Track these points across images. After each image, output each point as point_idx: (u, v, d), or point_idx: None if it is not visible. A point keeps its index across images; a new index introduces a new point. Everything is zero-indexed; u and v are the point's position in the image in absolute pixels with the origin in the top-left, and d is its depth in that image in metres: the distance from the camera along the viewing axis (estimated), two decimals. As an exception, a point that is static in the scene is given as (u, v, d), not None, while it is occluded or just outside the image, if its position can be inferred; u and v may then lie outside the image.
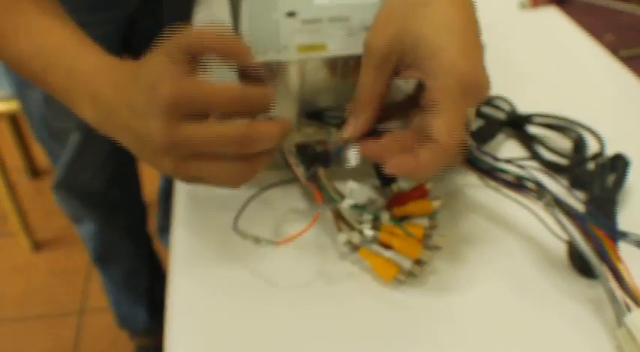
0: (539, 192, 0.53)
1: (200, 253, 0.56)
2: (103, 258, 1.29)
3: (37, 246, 1.89)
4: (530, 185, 0.53)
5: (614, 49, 0.85)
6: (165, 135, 0.45)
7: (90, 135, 1.02)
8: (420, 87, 0.50)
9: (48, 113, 1.01)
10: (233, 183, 0.49)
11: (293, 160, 0.54)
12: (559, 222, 0.51)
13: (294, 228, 0.53)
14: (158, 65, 0.46)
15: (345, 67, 0.56)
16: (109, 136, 0.52)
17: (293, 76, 0.56)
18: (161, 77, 0.45)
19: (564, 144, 0.68)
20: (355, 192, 0.52)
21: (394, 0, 0.49)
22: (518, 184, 0.54)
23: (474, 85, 0.45)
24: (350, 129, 0.52)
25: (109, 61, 0.52)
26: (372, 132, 0.52)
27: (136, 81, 0.48)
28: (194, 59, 0.46)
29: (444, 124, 0.45)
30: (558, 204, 0.52)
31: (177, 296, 0.53)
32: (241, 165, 0.47)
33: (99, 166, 1.12)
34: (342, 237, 0.54)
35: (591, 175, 0.61)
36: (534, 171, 0.55)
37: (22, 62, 0.54)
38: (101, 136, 1.02)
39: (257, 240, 0.54)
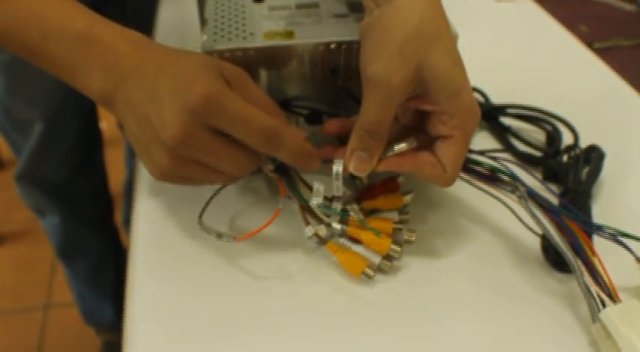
0: (513, 184, 0.51)
1: (162, 247, 0.54)
2: (67, 251, 1.26)
3: (0, 239, 1.85)
4: (503, 177, 0.52)
5: (589, 40, 0.84)
6: (179, 132, 0.44)
7: (54, 126, 1.01)
8: (419, 115, 0.51)
9: (10, 102, 0.99)
10: (221, 183, 0.54)
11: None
12: (533, 216, 0.50)
13: (258, 221, 0.51)
14: (205, 65, 0.47)
15: (314, 55, 0.54)
16: (108, 108, 0.50)
17: (259, 64, 0.54)
18: (201, 76, 0.45)
19: (538, 135, 0.67)
20: (321, 192, 0.50)
21: (401, 30, 0.46)
22: (491, 176, 0.53)
23: (479, 121, 0.49)
24: (363, 166, 0.49)
25: (139, 35, 0.51)
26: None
27: (173, 66, 0.47)
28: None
29: (456, 156, 0.48)
30: (532, 196, 0.51)
31: (138, 291, 0.51)
32: (235, 171, 0.48)
33: (63, 157, 1.09)
34: (309, 230, 0.52)
35: (565, 167, 0.60)
36: (508, 164, 0.54)
37: (12, 29, 0.50)
38: (65, 126, 1.03)
39: (219, 236, 0.52)
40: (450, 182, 0.49)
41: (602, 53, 0.82)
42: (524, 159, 0.63)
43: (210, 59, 0.48)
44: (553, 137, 0.65)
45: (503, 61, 0.79)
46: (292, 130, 0.48)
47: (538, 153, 0.64)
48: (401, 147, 0.49)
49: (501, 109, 0.68)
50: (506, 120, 0.68)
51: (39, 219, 1.21)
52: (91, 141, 1.16)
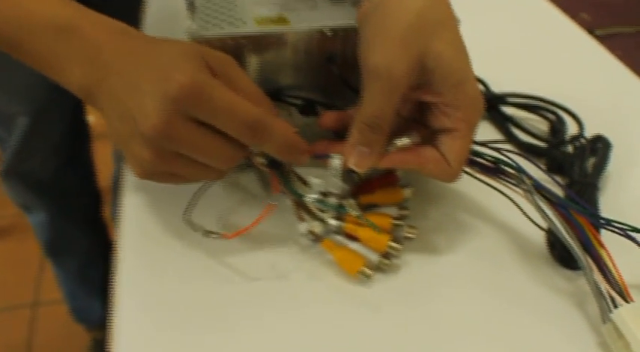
0: (518, 177, 0.49)
1: (148, 246, 0.52)
2: (55, 248, 1.25)
3: (-13, 236, 1.84)
4: (508, 170, 0.50)
5: (590, 27, 0.82)
6: (158, 122, 0.42)
7: (39, 120, 1.01)
8: (419, 106, 0.49)
9: (-7, 96, 0.97)
10: (207, 179, 0.51)
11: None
12: (539, 210, 0.48)
13: (249, 218, 0.49)
14: (187, 53, 0.45)
15: (309, 43, 0.52)
16: (90, 103, 0.48)
17: (250, 52, 0.52)
18: (183, 65, 0.43)
19: (541, 125, 0.65)
20: (318, 185, 0.49)
21: (402, 16, 0.44)
22: (494, 169, 0.51)
23: (483, 112, 0.47)
24: (364, 162, 0.47)
25: (121, 24, 0.49)
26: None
27: (155, 54, 0.45)
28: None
29: (461, 150, 0.47)
30: (538, 190, 0.48)
31: (124, 292, 0.49)
32: (220, 164, 0.46)
33: (49, 152, 1.08)
34: (304, 226, 0.50)
35: (570, 159, 0.58)
36: (511, 155, 0.51)
37: None
38: (51, 121, 1.00)
39: (206, 233, 0.50)
40: (454, 177, 0.48)
41: (604, 40, 0.80)
42: (528, 150, 0.61)
43: (193, 46, 0.46)
44: (557, 127, 0.63)
45: (504, 49, 0.78)
46: (280, 122, 0.46)
47: (542, 144, 0.62)
48: (403, 142, 0.47)
49: (502, 98, 0.67)
50: (508, 110, 0.66)
51: (26, 215, 1.20)
52: (78, 136, 1.15)
